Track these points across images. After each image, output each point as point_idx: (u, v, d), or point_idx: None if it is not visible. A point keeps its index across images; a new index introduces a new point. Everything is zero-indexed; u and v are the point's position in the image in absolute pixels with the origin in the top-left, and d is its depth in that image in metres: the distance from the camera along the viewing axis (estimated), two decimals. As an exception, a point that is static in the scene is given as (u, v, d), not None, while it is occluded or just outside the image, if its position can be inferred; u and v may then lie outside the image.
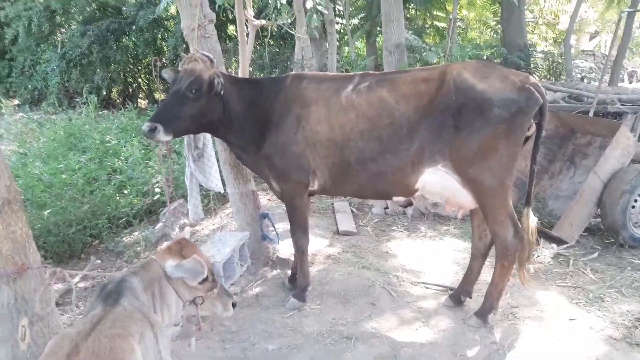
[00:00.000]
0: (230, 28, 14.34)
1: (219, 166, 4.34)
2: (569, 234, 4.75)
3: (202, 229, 5.59)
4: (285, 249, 4.60)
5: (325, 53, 11.72)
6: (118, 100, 15.61)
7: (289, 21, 9.05)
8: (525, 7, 14.67)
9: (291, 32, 8.11)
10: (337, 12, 14.30)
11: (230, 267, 4.09)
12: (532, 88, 3.06)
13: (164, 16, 13.51)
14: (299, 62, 8.77)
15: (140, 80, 16.28)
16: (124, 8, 15.10)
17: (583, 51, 19.22)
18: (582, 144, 5.73)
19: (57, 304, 3.46)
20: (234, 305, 2.44)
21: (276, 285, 4.20)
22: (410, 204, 5.79)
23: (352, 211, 5.92)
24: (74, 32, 14.49)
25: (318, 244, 4.93)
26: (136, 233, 5.40)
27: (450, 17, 11.72)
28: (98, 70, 14.15)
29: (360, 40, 16.17)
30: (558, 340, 3.35)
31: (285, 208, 3.88)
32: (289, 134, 3.48)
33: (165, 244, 4.33)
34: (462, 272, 4.01)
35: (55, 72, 14.17)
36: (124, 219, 5.54)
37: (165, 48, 14.74)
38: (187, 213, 4.83)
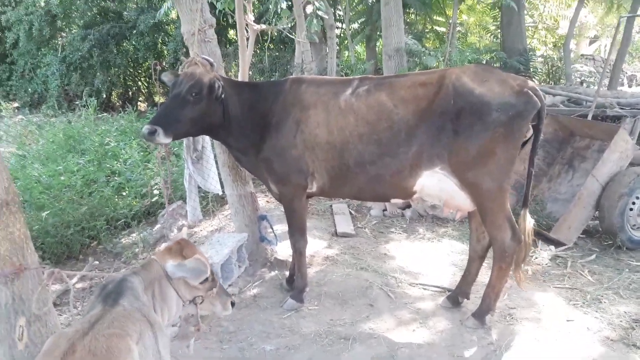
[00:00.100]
0: (231, 32, 14.39)
1: (217, 168, 4.35)
2: (567, 236, 4.78)
3: (201, 230, 5.60)
4: (283, 250, 4.61)
5: (325, 57, 11.78)
6: (118, 104, 15.63)
7: (289, 26, 9.06)
8: (525, 12, 14.72)
9: (291, 36, 8.13)
10: (337, 17, 14.36)
11: (228, 269, 4.10)
12: (530, 92, 3.08)
13: (164, 20, 13.54)
14: (299, 66, 8.80)
15: (140, 83, 16.31)
16: (125, 12, 15.16)
17: (583, 55, 19.29)
18: (580, 147, 5.75)
19: (55, 305, 3.47)
20: (232, 304, 2.44)
21: (274, 286, 4.21)
22: (408, 206, 5.80)
23: (350, 213, 5.92)
24: (75, 36, 14.50)
25: (316, 246, 4.93)
26: (134, 234, 5.40)
27: (450, 21, 11.77)
28: (98, 74, 14.16)
29: (360, 44, 16.22)
30: (555, 341, 3.35)
31: (283, 210, 3.89)
32: (288, 137, 3.49)
33: (164, 245, 4.34)
34: (460, 273, 4.02)
35: (55, 76, 14.18)
36: (122, 221, 5.54)
37: (165, 52, 14.79)
38: (185, 214, 4.83)
